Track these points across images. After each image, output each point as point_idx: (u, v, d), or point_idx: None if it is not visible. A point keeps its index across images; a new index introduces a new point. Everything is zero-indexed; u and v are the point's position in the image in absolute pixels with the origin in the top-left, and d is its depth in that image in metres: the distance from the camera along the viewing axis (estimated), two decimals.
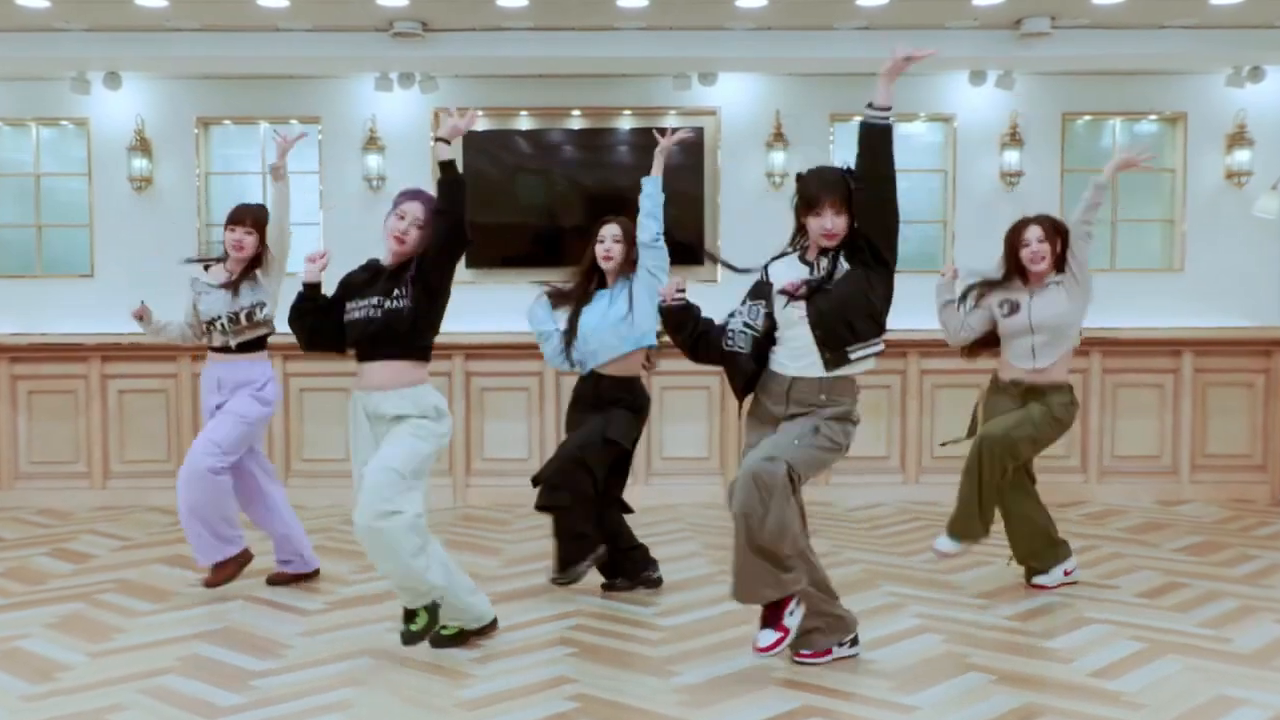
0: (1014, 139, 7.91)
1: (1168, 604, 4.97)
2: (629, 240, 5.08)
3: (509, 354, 7.18)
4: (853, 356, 3.94)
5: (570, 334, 5.05)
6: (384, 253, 4.30)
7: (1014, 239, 5.03)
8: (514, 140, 8.01)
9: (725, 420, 7.22)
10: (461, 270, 7.93)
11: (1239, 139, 7.89)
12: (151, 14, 6.82)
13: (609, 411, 5.02)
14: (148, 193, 7.96)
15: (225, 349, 5.17)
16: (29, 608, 4.99)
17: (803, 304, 3.94)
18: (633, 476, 7.10)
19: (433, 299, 4.20)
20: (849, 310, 3.90)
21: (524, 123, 8.04)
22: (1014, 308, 5.00)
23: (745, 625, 4.66)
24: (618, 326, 4.99)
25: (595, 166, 8.02)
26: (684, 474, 7.27)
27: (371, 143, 7.89)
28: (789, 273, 4.05)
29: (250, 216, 5.13)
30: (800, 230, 4.05)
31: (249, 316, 5.13)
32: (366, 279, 4.29)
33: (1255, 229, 7.94)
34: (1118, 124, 8.13)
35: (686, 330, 4.09)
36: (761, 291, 4.05)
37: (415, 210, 4.21)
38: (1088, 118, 8.11)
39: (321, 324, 4.31)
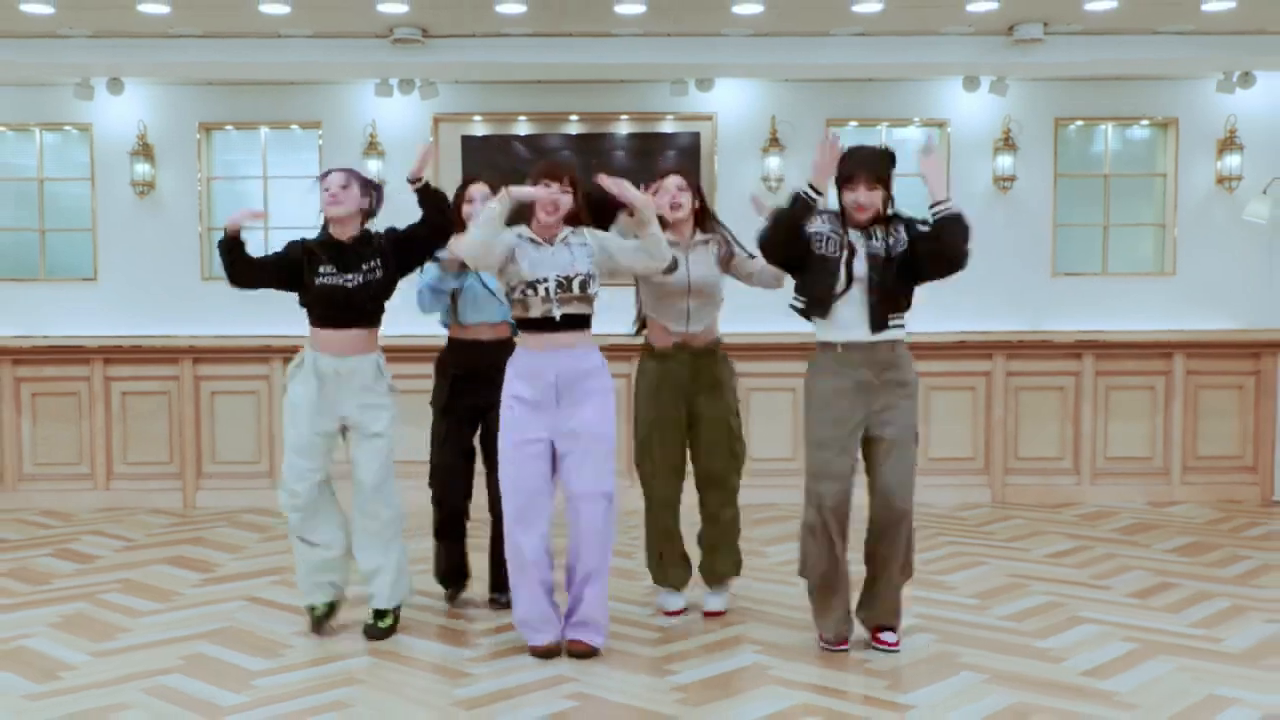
0: (1007, 144, 7.97)
1: (1159, 604, 5.00)
2: None
3: None
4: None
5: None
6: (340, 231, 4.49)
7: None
8: (512, 145, 8.07)
9: None
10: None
11: (1230, 144, 7.94)
12: (154, 21, 6.87)
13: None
14: (150, 198, 8.01)
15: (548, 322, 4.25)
16: (33, 607, 5.02)
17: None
18: (628, 477, 7.18)
19: (402, 274, 4.54)
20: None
21: (522, 128, 8.10)
22: (670, 265, 4.58)
23: (741, 624, 4.72)
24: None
25: (593, 171, 8.03)
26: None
27: (372, 147, 7.93)
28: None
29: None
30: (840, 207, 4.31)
31: (583, 285, 4.30)
32: (329, 252, 4.45)
33: (1246, 233, 8.01)
34: (1109, 128, 8.20)
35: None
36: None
37: (335, 179, 4.46)
38: (1080, 123, 8.17)
39: (250, 266, 4.47)
